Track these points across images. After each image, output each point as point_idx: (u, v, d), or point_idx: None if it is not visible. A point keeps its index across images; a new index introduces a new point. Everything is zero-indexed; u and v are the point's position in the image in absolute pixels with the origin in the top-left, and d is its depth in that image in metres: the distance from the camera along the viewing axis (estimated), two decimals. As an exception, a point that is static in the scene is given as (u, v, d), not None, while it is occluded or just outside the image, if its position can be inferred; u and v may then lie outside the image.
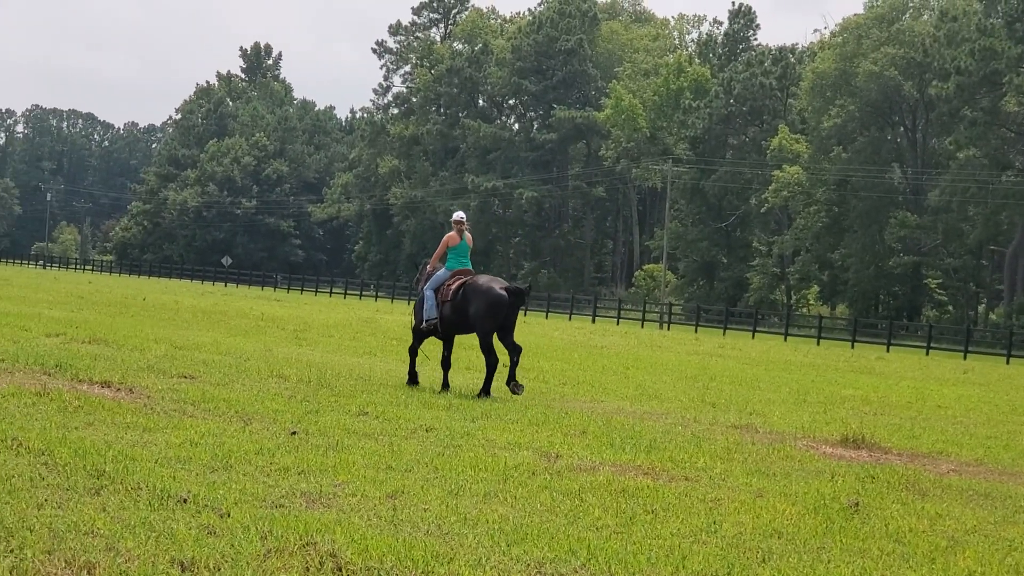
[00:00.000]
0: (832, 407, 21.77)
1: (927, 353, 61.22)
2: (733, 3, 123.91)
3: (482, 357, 18.77)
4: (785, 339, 69.60)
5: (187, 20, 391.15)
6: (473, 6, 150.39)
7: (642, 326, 76.83)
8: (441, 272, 19.25)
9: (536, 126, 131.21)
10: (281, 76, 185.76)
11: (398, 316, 53.80)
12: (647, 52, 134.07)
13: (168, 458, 10.38)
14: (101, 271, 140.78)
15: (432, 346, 20.96)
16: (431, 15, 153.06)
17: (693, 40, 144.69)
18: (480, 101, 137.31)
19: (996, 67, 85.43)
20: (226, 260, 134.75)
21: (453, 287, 18.82)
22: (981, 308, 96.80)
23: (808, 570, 8.18)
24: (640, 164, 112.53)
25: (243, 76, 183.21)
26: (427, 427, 13.79)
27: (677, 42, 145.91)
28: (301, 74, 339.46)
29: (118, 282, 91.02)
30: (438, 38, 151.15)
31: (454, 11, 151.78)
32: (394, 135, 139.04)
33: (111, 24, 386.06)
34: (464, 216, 20.08)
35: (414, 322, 19.72)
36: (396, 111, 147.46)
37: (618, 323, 79.35)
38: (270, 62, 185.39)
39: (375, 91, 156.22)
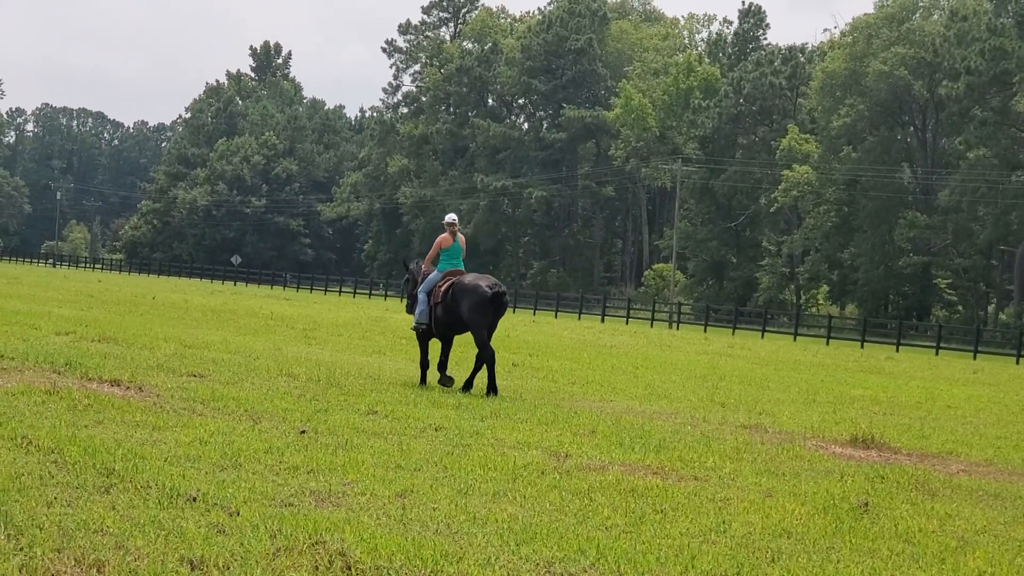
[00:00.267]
0: (841, 407, 21.74)
1: (937, 353, 61.14)
2: (743, 2, 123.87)
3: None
4: (794, 339, 69.54)
5: (197, 19, 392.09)
6: (483, 5, 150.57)
7: (651, 326, 76.80)
8: (433, 275, 19.44)
9: (546, 125, 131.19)
10: (291, 75, 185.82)
11: (408, 315, 53.76)
12: (657, 51, 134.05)
13: (177, 456, 10.38)
14: (111, 270, 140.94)
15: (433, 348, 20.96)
16: (441, 14, 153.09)
17: (703, 39, 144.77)
18: (490, 100, 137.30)
19: (1006, 67, 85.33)
20: (235, 259, 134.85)
21: (443, 288, 19.02)
22: (991, 308, 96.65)
23: (817, 570, 8.16)
24: (649, 163, 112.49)
25: (253, 75, 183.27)
26: (436, 426, 13.79)
27: (687, 41, 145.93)
28: (311, 73, 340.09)
29: (128, 281, 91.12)
30: (448, 37, 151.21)
31: (464, 10, 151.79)
32: (404, 134, 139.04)
33: (121, 23, 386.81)
34: (456, 218, 20.13)
35: (415, 324, 19.83)
36: (406, 110, 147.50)
37: (627, 322, 79.33)
38: (280, 61, 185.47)
39: (385, 90, 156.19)
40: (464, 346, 21.00)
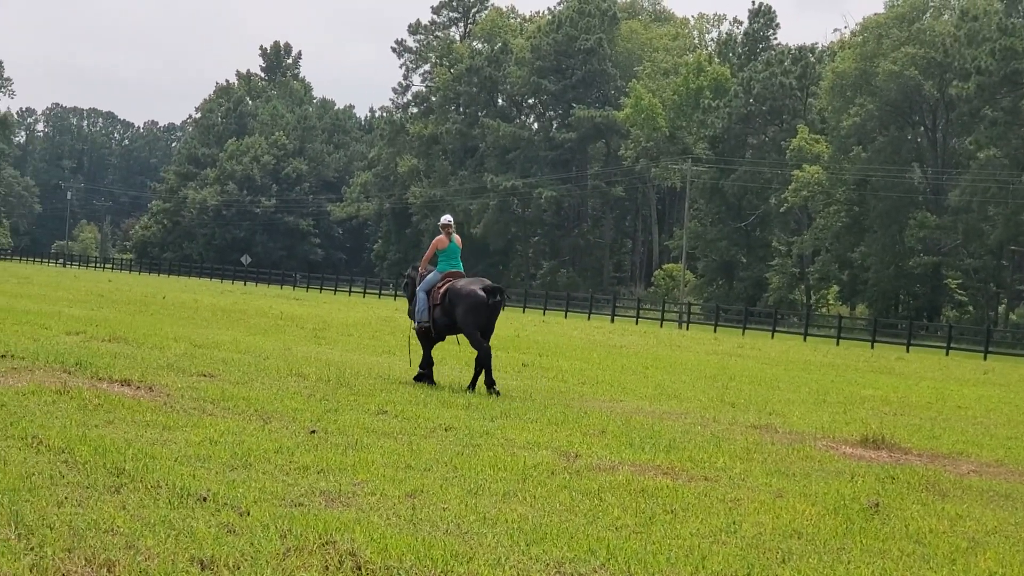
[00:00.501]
0: (852, 407, 21.72)
1: (947, 353, 61.02)
2: (753, 2, 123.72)
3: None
4: (805, 339, 69.45)
5: (207, 19, 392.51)
6: (493, 5, 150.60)
7: (661, 326, 76.76)
8: (432, 275, 19.64)
9: (555, 125, 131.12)
10: (300, 75, 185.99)
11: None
12: (667, 51, 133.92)
13: (188, 456, 10.40)
14: (121, 269, 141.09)
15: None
16: (451, 14, 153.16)
17: (713, 39, 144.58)
18: (499, 100, 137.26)
19: (1017, 67, 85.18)
20: (245, 259, 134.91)
21: (441, 290, 19.25)
22: (1001, 308, 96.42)
23: (828, 571, 8.15)
24: (659, 163, 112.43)
25: (263, 75, 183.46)
26: (446, 426, 13.80)
27: (697, 41, 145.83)
28: (320, 73, 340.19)
29: (138, 280, 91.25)
30: (457, 37, 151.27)
31: (474, 10, 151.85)
32: (413, 134, 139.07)
33: (131, 23, 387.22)
34: (451, 219, 20.35)
35: (414, 324, 20.05)
36: (415, 110, 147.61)
37: (637, 323, 79.30)
38: (289, 61, 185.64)
39: (394, 90, 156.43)
40: (464, 346, 20.95)
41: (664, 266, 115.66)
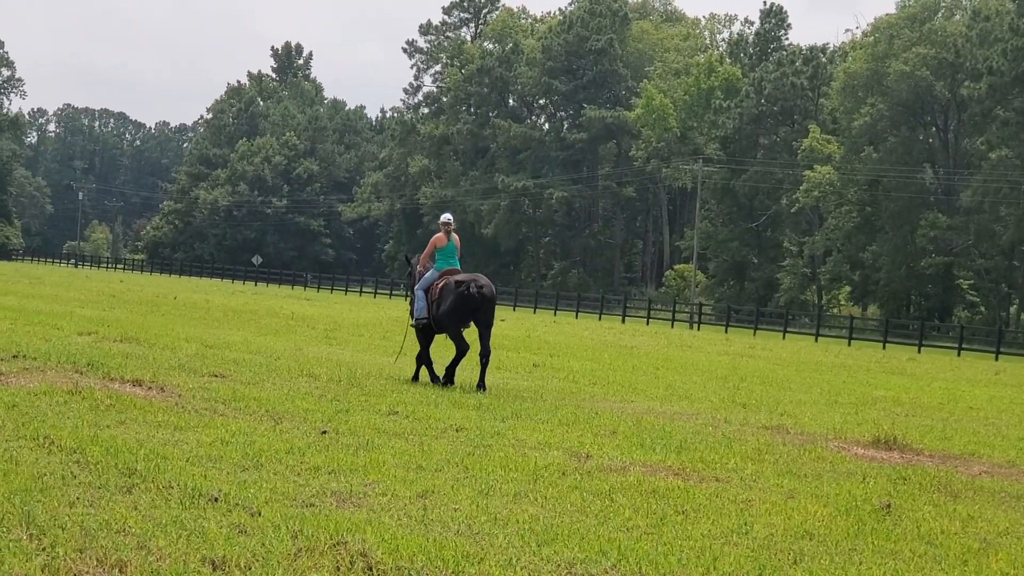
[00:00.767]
0: (863, 408, 21.68)
1: (959, 354, 60.91)
2: (764, 3, 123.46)
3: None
4: (816, 340, 69.35)
5: (218, 20, 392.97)
6: (503, 6, 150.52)
7: (672, 326, 76.73)
8: (430, 273, 19.97)
9: (566, 126, 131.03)
10: (312, 76, 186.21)
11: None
12: (678, 52, 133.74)
13: (199, 457, 10.41)
14: (132, 270, 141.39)
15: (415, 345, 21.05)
16: (461, 15, 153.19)
17: (724, 40, 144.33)
18: (510, 101, 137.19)
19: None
20: (256, 259, 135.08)
21: (438, 287, 19.56)
22: (1013, 309, 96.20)
23: (840, 572, 8.15)
24: (670, 164, 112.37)
25: (274, 76, 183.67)
26: (457, 427, 13.81)
27: (708, 42, 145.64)
28: (331, 74, 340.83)
29: (149, 281, 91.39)
30: (468, 38, 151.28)
31: (484, 11, 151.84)
32: (424, 135, 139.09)
33: (143, 24, 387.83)
34: (451, 218, 20.70)
35: (412, 320, 20.38)
36: (426, 110, 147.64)
37: (648, 323, 79.26)
38: (300, 62, 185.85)
39: (405, 90, 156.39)
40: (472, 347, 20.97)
41: (675, 266, 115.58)
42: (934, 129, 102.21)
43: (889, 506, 10.66)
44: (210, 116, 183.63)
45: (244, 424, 12.60)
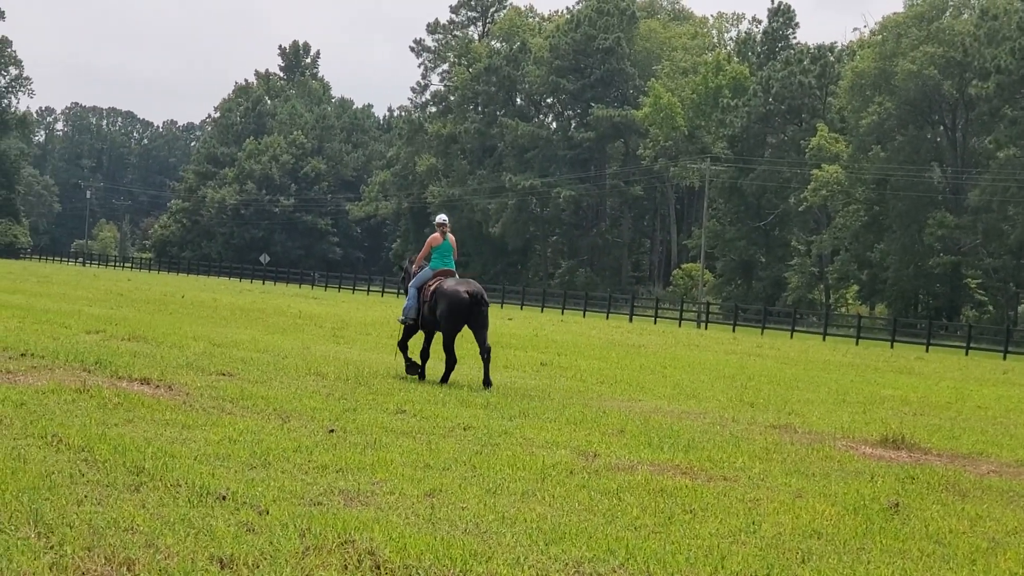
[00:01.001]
0: (871, 407, 21.65)
1: (967, 353, 60.85)
2: (772, 1, 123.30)
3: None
4: (824, 339, 69.31)
5: (226, 19, 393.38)
6: (511, 5, 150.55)
7: (679, 325, 76.70)
8: (425, 272, 20.20)
9: (574, 125, 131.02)
10: (319, 74, 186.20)
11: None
12: (685, 50, 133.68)
13: (207, 455, 10.42)
14: (140, 269, 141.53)
15: (416, 342, 21.07)
16: (469, 14, 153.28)
17: (732, 38, 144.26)
18: (518, 100, 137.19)
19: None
20: (264, 258, 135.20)
21: (431, 288, 19.74)
22: (1021, 308, 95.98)
23: (848, 571, 8.14)
24: (678, 163, 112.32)
25: (281, 74, 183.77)
26: (465, 425, 13.80)
27: (716, 40, 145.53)
28: (339, 73, 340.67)
29: (157, 279, 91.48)
30: (476, 37, 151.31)
31: (492, 10, 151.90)
32: (432, 133, 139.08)
33: (150, 23, 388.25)
34: (446, 219, 20.97)
35: (402, 317, 20.59)
36: (434, 109, 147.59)
37: (655, 322, 79.21)
38: (308, 60, 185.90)
39: (413, 89, 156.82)
40: (468, 345, 20.87)
41: (683, 265, 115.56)
42: (942, 128, 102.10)
43: (897, 505, 10.65)
44: (218, 115, 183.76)
45: (252, 422, 12.61)
